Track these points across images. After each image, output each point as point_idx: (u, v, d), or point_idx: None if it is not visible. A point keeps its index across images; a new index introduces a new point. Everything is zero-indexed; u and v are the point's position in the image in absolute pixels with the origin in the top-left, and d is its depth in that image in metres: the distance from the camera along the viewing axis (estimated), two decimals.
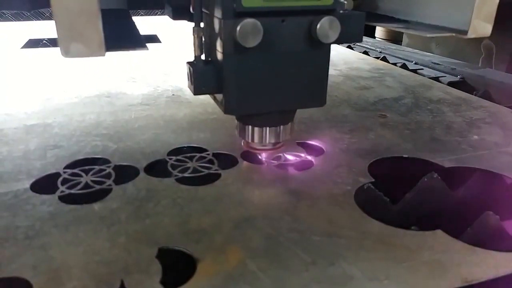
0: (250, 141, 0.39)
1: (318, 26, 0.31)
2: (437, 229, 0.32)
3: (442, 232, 0.32)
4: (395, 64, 0.92)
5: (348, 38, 0.34)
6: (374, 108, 0.60)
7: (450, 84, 0.79)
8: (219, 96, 0.34)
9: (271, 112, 0.36)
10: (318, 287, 0.27)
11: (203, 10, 0.34)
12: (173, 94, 0.65)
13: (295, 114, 0.39)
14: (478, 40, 1.02)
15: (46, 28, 1.30)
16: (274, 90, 0.34)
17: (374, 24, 0.38)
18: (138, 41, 0.33)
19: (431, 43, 1.18)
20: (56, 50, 1.00)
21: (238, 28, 0.29)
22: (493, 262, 0.29)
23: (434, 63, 0.93)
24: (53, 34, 1.17)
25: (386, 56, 1.01)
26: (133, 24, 0.34)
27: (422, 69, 0.91)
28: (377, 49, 1.09)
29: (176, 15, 0.39)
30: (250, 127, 0.38)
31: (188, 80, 0.35)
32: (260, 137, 0.38)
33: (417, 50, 1.09)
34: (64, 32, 0.24)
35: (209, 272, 0.28)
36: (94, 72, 0.78)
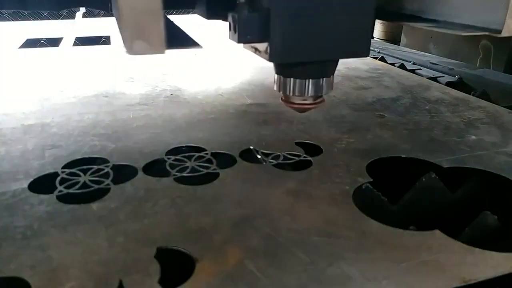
0: (290, 94, 0.37)
1: None
2: (436, 229, 0.32)
3: (440, 232, 0.32)
4: (393, 64, 0.93)
5: None
6: (372, 108, 0.60)
7: (448, 84, 0.79)
8: (262, 46, 0.34)
9: (315, 62, 0.35)
10: (317, 287, 0.27)
11: None
12: (171, 94, 0.65)
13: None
14: (476, 41, 1.03)
15: (43, 28, 1.30)
16: (320, 37, 0.34)
17: (402, 23, 0.38)
18: (191, 40, 0.34)
19: (429, 44, 1.18)
20: (53, 50, 1.00)
21: None
22: (491, 262, 0.29)
23: (432, 63, 0.93)
24: (50, 34, 1.17)
25: (384, 56, 1.02)
26: (175, 25, 0.34)
27: (420, 69, 0.91)
28: (375, 49, 1.09)
29: (210, 14, 0.39)
30: (291, 79, 0.37)
31: (230, 30, 0.34)
32: (302, 90, 0.37)
33: (415, 50, 1.10)
34: (129, 30, 0.25)
35: (207, 272, 0.28)
36: (92, 72, 0.78)
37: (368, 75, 0.79)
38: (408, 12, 0.38)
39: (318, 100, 0.38)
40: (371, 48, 1.10)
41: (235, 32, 0.33)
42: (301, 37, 0.33)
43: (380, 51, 1.07)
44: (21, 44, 1.05)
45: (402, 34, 1.32)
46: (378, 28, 1.60)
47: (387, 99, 0.65)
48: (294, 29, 0.33)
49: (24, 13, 1.50)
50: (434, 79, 0.82)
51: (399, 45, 1.28)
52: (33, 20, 1.50)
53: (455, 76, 0.85)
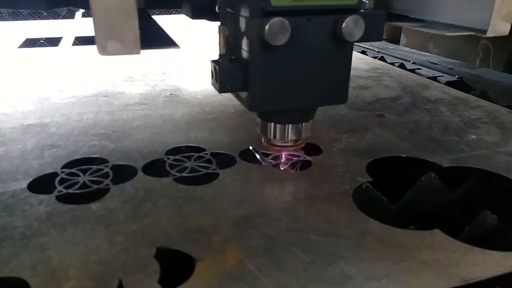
0: (272, 138, 0.39)
1: (344, 24, 0.32)
2: (435, 228, 0.32)
3: (440, 232, 0.32)
4: (393, 63, 0.93)
5: (369, 37, 0.34)
6: (372, 108, 0.60)
7: (448, 83, 0.79)
8: (243, 94, 0.35)
9: (294, 109, 0.37)
10: (317, 287, 0.27)
11: (228, 10, 0.35)
12: (171, 94, 0.65)
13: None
14: (476, 40, 1.03)
15: (43, 28, 1.30)
16: (298, 88, 0.35)
17: (390, 23, 0.38)
18: (169, 40, 0.34)
19: (429, 43, 1.18)
20: (53, 50, 1.00)
21: (267, 27, 0.30)
22: (491, 261, 0.29)
23: (432, 62, 0.93)
24: (50, 34, 1.17)
25: (384, 55, 1.02)
26: (157, 24, 0.34)
27: (420, 68, 0.91)
28: (375, 49, 1.09)
29: (195, 15, 0.39)
30: (272, 124, 0.38)
31: (212, 78, 0.35)
32: (282, 134, 0.38)
33: (415, 50, 1.10)
34: (102, 30, 0.25)
35: (207, 272, 0.28)
36: (91, 71, 0.78)
37: (368, 75, 0.79)
38: (396, 12, 0.38)
39: (299, 142, 0.40)
40: (371, 47, 1.11)
41: (216, 81, 0.34)
42: (280, 88, 0.34)
43: (380, 50, 1.07)
44: (20, 43, 1.05)
45: (402, 34, 1.32)
46: None
47: (387, 98, 0.65)
48: (272, 81, 0.34)
49: (24, 13, 1.50)
50: (434, 78, 0.82)
51: (398, 44, 1.28)
52: (33, 19, 1.50)
53: (454, 76, 0.85)
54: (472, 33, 0.30)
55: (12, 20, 1.47)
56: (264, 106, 0.35)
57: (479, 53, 1.03)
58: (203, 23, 0.41)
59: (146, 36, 0.27)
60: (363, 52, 1.06)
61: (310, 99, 0.36)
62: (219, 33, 0.34)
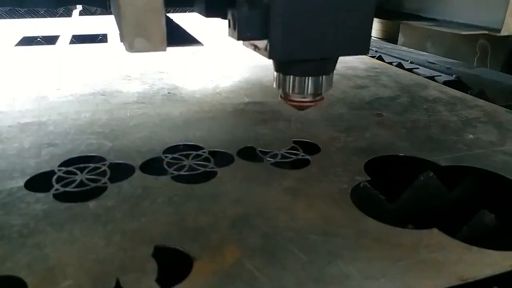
0: (290, 92, 0.37)
1: None
2: (433, 227, 0.32)
3: (438, 231, 0.32)
4: (390, 63, 0.93)
5: None
6: (370, 107, 0.60)
7: (446, 83, 0.79)
8: (261, 43, 0.34)
9: (314, 59, 0.35)
10: (315, 286, 0.27)
11: None
12: (169, 93, 0.64)
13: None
14: (474, 40, 1.03)
15: (40, 26, 1.29)
16: (320, 36, 0.34)
17: (401, 21, 0.38)
18: (192, 38, 0.34)
19: (426, 42, 1.18)
20: (50, 48, 0.99)
21: None
22: (489, 261, 0.29)
23: (430, 62, 0.93)
24: (47, 32, 1.16)
25: (382, 55, 1.02)
26: (175, 22, 0.34)
27: (417, 68, 0.91)
28: (373, 48, 1.09)
29: (209, 12, 0.39)
30: (290, 77, 0.37)
31: (230, 27, 0.34)
32: (301, 88, 0.37)
33: (412, 50, 1.10)
34: (130, 27, 0.25)
35: (205, 271, 0.28)
36: (89, 70, 0.78)
37: (366, 74, 0.79)
38: (407, 11, 0.38)
39: (318, 98, 0.38)
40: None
41: (234, 29, 0.33)
42: (301, 35, 0.33)
43: (378, 50, 1.07)
44: (17, 42, 1.05)
45: (400, 33, 1.33)
46: (375, 27, 1.60)
47: (385, 98, 0.65)
48: (294, 27, 0.33)
49: (20, 11, 1.49)
50: (432, 78, 0.82)
51: (396, 44, 1.28)
52: (30, 18, 1.49)
53: (452, 75, 0.85)
54: (486, 32, 0.30)
55: (9, 18, 1.47)
56: (285, 54, 0.34)
57: (477, 53, 1.03)
58: (204, 23, 0.41)
59: (169, 33, 0.27)
60: None
61: (331, 48, 0.35)
62: None
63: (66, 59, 0.88)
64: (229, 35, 0.35)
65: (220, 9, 0.37)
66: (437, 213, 0.40)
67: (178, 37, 0.33)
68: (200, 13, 0.40)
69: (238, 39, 0.33)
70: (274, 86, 0.38)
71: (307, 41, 0.34)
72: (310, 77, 0.37)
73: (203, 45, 0.34)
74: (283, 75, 0.37)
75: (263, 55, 0.34)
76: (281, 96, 0.39)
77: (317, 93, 0.38)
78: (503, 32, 0.29)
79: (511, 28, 0.29)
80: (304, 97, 0.38)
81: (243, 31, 0.33)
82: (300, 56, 0.35)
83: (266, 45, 0.33)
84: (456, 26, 0.33)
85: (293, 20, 0.32)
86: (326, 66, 0.37)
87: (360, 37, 0.35)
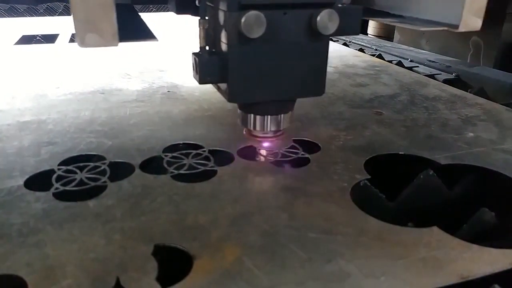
0: (252, 129, 0.40)
1: (318, 18, 0.33)
2: (433, 225, 0.32)
3: (438, 229, 0.32)
4: (390, 61, 0.93)
5: (346, 31, 0.36)
6: (370, 106, 0.60)
7: (446, 81, 0.79)
8: (223, 86, 0.36)
9: (272, 101, 0.37)
10: (315, 284, 0.27)
11: (208, 3, 0.35)
12: (168, 91, 0.64)
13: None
14: (467, 37, 1.03)
15: (39, 25, 1.29)
16: (276, 80, 0.36)
17: (369, 18, 0.39)
18: (147, 33, 0.35)
19: (421, 40, 1.19)
20: (49, 47, 0.99)
21: (242, 20, 0.31)
22: (489, 259, 0.29)
23: (430, 60, 0.93)
24: (46, 31, 1.16)
25: (382, 53, 1.02)
26: (140, 18, 0.35)
27: (417, 66, 0.91)
28: (372, 47, 1.09)
29: (179, 10, 0.40)
30: (252, 115, 0.39)
31: (193, 70, 0.37)
32: (262, 125, 0.40)
33: (412, 48, 1.10)
34: (81, 23, 0.26)
35: (205, 269, 0.28)
36: (88, 68, 0.78)
37: (366, 72, 0.79)
38: (377, 8, 0.39)
39: (278, 133, 0.42)
40: (369, 45, 1.11)
41: (196, 73, 0.36)
42: (257, 79, 0.35)
43: (378, 48, 1.07)
44: (16, 40, 1.05)
45: (395, 31, 1.33)
46: (372, 24, 1.61)
47: (385, 96, 0.65)
48: (250, 72, 0.35)
49: (20, 9, 1.49)
50: (432, 76, 0.82)
51: (392, 41, 1.28)
52: (29, 16, 1.49)
53: (452, 74, 0.85)
54: (446, 28, 0.31)
55: (8, 16, 1.47)
56: (242, 97, 0.36)
57: (470, 49, 1.04)
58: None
59: (127, 29, 0.27)
60: (361, 50, 1.06)
61: (287, 91, 0.37)
62: (199, 26, 0.35)
63: (66, 57, 0.88)
64: (193, 76, 0.37)
65: (189, 7, 0.39)
66: (437, 212, 0.40)
67: (133, 32, 0.34)
68: (172, 10, 0.42)
69: (200, 83, 0.36)
70: (238, 122, 0.41)
71: (264, 85, 0.36)
72: (269, 116, 0.39)
73: (157, 40, 0.35)
74: (245, 114, 0.40)
75: (224, 97, 0.36)
76: (244, 130, 0.41)
77: (278, 129, 0.41)
78: (461, 29, 0.30)
79: (469, 24, 0.30)
80: (265, 133, 0.41)
81: (204, 76, 0.35)
82: (257, 99, 0.37)
83: (226, 88, 0.35)
84: (419, 23, 0.34)
85: (249, 67, 0.34)
86: (285, 106, 0.40)
87: (315, 81, 0.38)
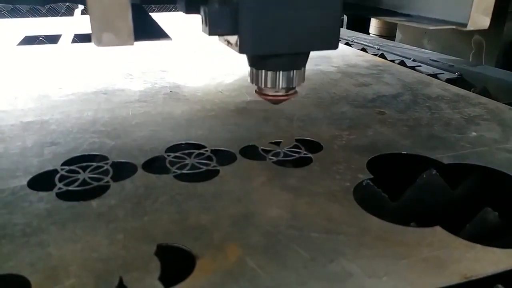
0: (263, 86, 0.39)
1: None
2: (436, 225, 0.32)
3: (441, 229, 0.32)
4: (393, 61, 0.92)
5: None
6: (372, 105, 0.60)
7: (448, 81, 0.79)
8: (233, 38, 0.35)
9: (285, 54, 0.36)
10: (317, 284, 0.27)
11: None
12: (170, 91, 0.64)
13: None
14: (469, 36, 1.03)
15: (42, 25, 1.29)
16: (289, 31, 0.35)
17: (377, 17, 0.39)
18: (162, 33, 0.35)
19: (423, 39, 1.19)
20: (52, 47, 0.99)
21: None
22: (493, 258, 0.29)
23: (432, 60, 0.93)
24: (49, 31, 1.17)
25: (384, 53, 1.01)
26: (151, 18, 0.35)
27: (420, 66, 0.91)
28: (375, 46, 1.09)
29: (189, 9, 0.40)
30: (263, 71, 0.38)
31: (202, 23, 0.35)
32: (273, 82, 0.38)
33: (415, 47, 1.10)
34: (97, 22, 0.26)
35: (208, 269, 0.28)
36: (91, 69, 0.78)
37: (368, 72, 0.79)
38: (384, 7, 0.39)
39: (291, 92, 0.39)
40: (371, 44, 1.10)
41: (206, 25, 0.34)
42: (270, 30, 0.34)
43: (380, 48, 1.07)
44: (19, 41, 1.05)
45: (397, 30, 1.33)
46: (374, 24, 1.60)
47: (388, 95, 0.64)
48: (263, 22, 0.34)
49: (22, 10, 1.50)
50: (434, 75, 0.82)
51: (394, 40, 1.28)
52: (32, 17, 1.49)
53: (455, 73, 0.85)
54: (454, 26, 0.31)
55: (11, 17, 1.47)
56: (254, 48, 0.35)
57: (472, 49, 1.03)
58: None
59: (140, 29, 0.27)
60: (363, 50, 1.05)
61: (301, 43, 0.36)
62: None
63: (68, 58, 0.88)
64: (202, 30, 0.35)
65: (199, 6, 0.38)
66: (440, 211, 0.40)
67: (147, 31, 0.34)
68: (181, 10, 0.41)
69: (209, 34, 0.34)
70: (249, 80, 0.39)
71: (277, 36, 0.34)
72: (282, 72, 0.38)
73: (171, 39, 0.34)
74: (256, 70, 0.38)
75: (235, 50, 0.35)
76: (256, 91, 0.40)
77: (289, 87, 0.39)
78: (469, 27, 0.30)
79: (477, 23, 0.30)
80: (277, 91, 0.39)
81: (214, 27, 0.33)
82: (270, 51, 0.35)
83: (237, 40, 0.34)
84: (426, 22, 0.34)
85: (261, 16, 0.33)
86: (297, 61, 0.38)
87: (329, 33, 0.36)
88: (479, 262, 0.29)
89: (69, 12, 1.58)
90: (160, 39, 0.34)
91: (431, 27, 0.33)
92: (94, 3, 0.25)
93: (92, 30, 0.26)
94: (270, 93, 0.39)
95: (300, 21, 0.35)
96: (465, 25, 0.30)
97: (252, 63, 0.39)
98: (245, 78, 0.73)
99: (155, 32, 0.35)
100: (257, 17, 0.33)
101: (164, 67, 0.79)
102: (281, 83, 0.38)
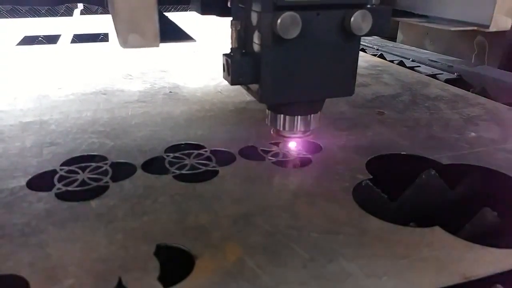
0: (281, 129, 0.40)
1: (352, 19, 0.33)
2: (435, 225, 0.32)
3: (440, 229, 0.32)
4: (392, 61, 0.92)
5: (376, 31, 0.36)
6: (371, 105, 0.60)
7: (447, 81, 0.79)
8: (254, 86, 0.36)
9: (303, 101, 0.38)
10: (317, 284, 0.27)
11: (239, 4, 0.36)
12: (170, 91, 0.64)
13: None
14: (471, 37, 1.03)
15: (41, 25, 1.29)
16: (307, 80, 0.36)
17: (394, 19, 0.39)
18: (185, 34, 0.35)
19: (425, 40, 1.18)
20: (51, 47, 0.99)
21: (279, 21, 0.31)
22: (492, 259, 0.29)
23: (431, 60, 0.93)
24: (48, 31, 1.16)
25: (383, 53, 1.01)
26: (170, 19, 0.35)
27: (419, 66, 0.91)
28: (374, 47, 1.09)
29: (205, 10, 0.40)
30: (281, 115, 0.39)
31: (224, 71, 0.36)
32: (292, 125, 0.40)
33: (414, 48, 1.10)
34: (124, 24, 0.26)
35: (207, 269, 0.28)
36: (90, 69, 0.78)
37: (368, 72, 0.79)
38: (400, 8, 0.39)
39: (307, 133, 0.42)
40: (370, 45, 1.10)
41: (228, 74, 0.36)
42: (290, 80, 0.35)
43: (379, 48, 1.07)
44: (18, 41, 1.05)
45: (398, 31, 1.32)
46: None
47: (387, 96, 0.65)
48: (283, 73, 0.35)
49: (22, 10, 1.50)
50: (433, 76, 0.82)
51: (395, 41, 1.28)
52: (31, 17, 1.49)
53: (454, 73, 0.85)
54: (475, 28, 0.31)
55: (11, 17, 1.47)
56: (274, 98, 0.36)
57: (475, 50, 1.03)
58: (204, 22, 0.42)
59: (163, 30, 0.28)
60: (362, 50, 1.06)
61: (319, 91, 0.37)
62: (231, 27, 0.35)
63: (68, 58, 0.88)
64: (223, 77, 0.37)
65: (215, 6, 0.39)
66: (439, 211, 0.40)
67: (171, 33, 0.34)
68: (196, 11, 0.41)
69: (231, 84, 0.35)
70: (266, 122, 0.41)
71: (295, 86, 0.36)
72: (299, 116, 0.39)
73: (195, 41, 0.35)
74: (274, 114, 0.40)
75: (255, 98, 0.36)
76: (272, 131, 0.41)
77: (306, 130, 0.41)
78: (492, 28, 0.30)
79: (499, 24, 0.30)
80: (294, 133, 0.41)
81: (236, 77, 0.35)
82: (289, 99, 0.37)
83: (257, 90, 0.35)
84: (446, 23, 0.34)
85: (281, 68, 0.34)
86: (315, 106, 0.40)
87: (346, 80, 0.38)
88: (478, 262, 0.29)
89: (69, 12, 1.58)
90: (184, 41, 0.34)
91: (452, 28, 0.33)
92: (122, 4, 0.25)
93: (117, 32, 0.27)
94: (287, 135, 0.42)
95: (319, 72, 0.36)
96: (487, 26, 0.30)
97: (270, 107, 0.40)
98: None
99: (179, 34, 0.35)
100: (277, 68, 0.34)
101: (164, 67, 0.79)
102: (299, 126, 0.40)
